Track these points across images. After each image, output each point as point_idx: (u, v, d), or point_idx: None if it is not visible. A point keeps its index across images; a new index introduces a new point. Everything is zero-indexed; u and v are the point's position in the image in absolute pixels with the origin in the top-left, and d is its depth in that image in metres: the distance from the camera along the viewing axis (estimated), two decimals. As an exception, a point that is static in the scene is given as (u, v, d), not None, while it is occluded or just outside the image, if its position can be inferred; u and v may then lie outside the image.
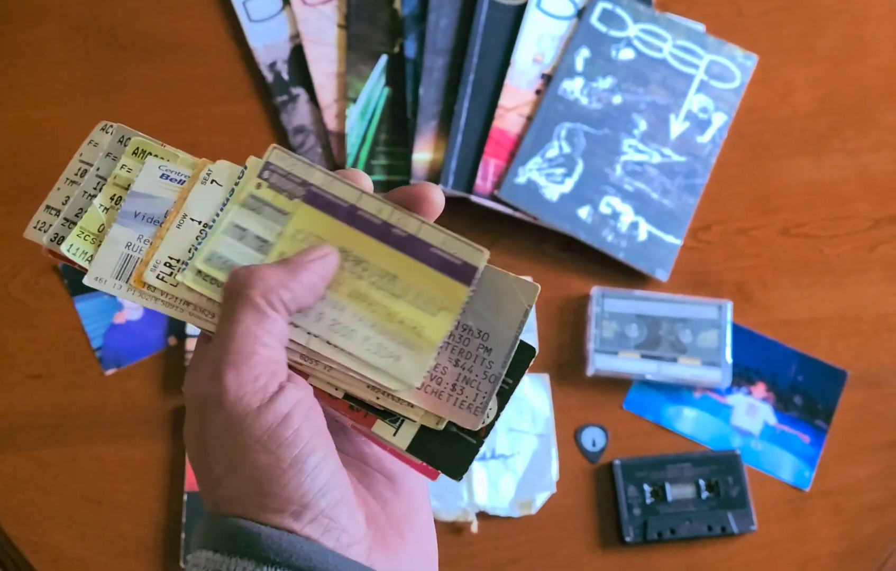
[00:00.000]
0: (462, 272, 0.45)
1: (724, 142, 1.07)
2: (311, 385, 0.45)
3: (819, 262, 1.03)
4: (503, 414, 0.94)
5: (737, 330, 0.99)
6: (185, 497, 0.93)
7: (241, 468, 0.41)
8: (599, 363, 0.97)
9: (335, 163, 1.05)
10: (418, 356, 0.44)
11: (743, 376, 0.98)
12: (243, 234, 0.47)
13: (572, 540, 0.94)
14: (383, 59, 1.09)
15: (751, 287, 1.02)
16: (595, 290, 0.99)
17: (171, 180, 0.49)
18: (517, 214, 1.01)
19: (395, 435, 0.44)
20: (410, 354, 0.44)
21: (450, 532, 0.93)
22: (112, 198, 0.49)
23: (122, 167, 0.50)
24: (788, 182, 1.06)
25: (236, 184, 0.48)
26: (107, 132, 0.51)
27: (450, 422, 0.44)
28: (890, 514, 0.94)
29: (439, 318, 0.45)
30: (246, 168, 0.49)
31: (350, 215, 0.47)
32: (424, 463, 0.44)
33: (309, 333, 0.44)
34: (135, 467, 0.95)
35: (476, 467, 0.94)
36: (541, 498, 0.94)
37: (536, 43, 1.09)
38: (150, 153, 0.50)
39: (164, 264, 0.47)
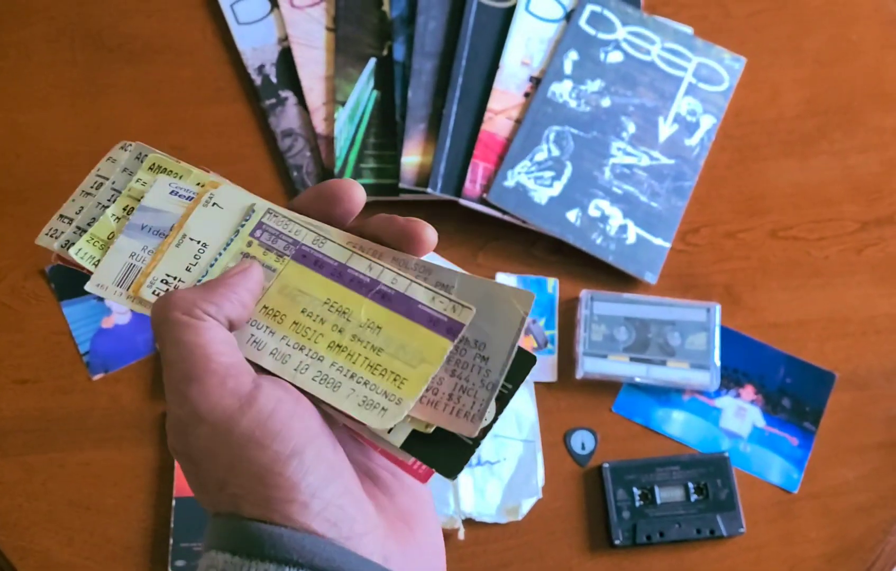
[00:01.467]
0: (448, 328, 0.45)
1: (713, 145, 1.07)
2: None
3: (807, 265, 1.03)
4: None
5: (725, 332, 0.99)
6: (174, 502, 0.93)
7: (239, 467, 0.41)
8: (588, 366, 0.97)
9: (324, 166, 1.05)
10: (398, 407, 0.44)
11: (731, 378, 0.98)
12: None
13: (561, 544, 0.94)
14: (372, 62, 1.09)
15: (739, 289, 1.02)
16: (584, 293, 0.99)
17: (179, 196, 0.50)
18: (506, 218, 1.01)
19: (389, 432, 0.44)
20: (392, 407, 0.44)
21: (438, 537, 0.92)
22: (125, 209, 0.50)
23: (137, 181, 0.51)
24: (776, 184, 1.07)
25: (241, 225, 0.49)
26: (125, 150, 0.52)
27: None
28: (878, 515, 0.95)
29: (419, 370, 0.44)
30: (253, 207, 0.50)
31: (338, 273, 0.47)
32: (417, 465, 0.45)
33: (293, 383, 0.45)
34: (123, 472, 0.95)
35: (462, 474, 0.94)
36: (527, 504, 0.94)
37: (525, 46, 1.09)
38: (166, 169, 0.51)
39: (161, 281, 0.48)
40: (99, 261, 0.48)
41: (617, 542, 0.92)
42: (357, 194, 0.48)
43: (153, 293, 0.47)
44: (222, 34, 1.12)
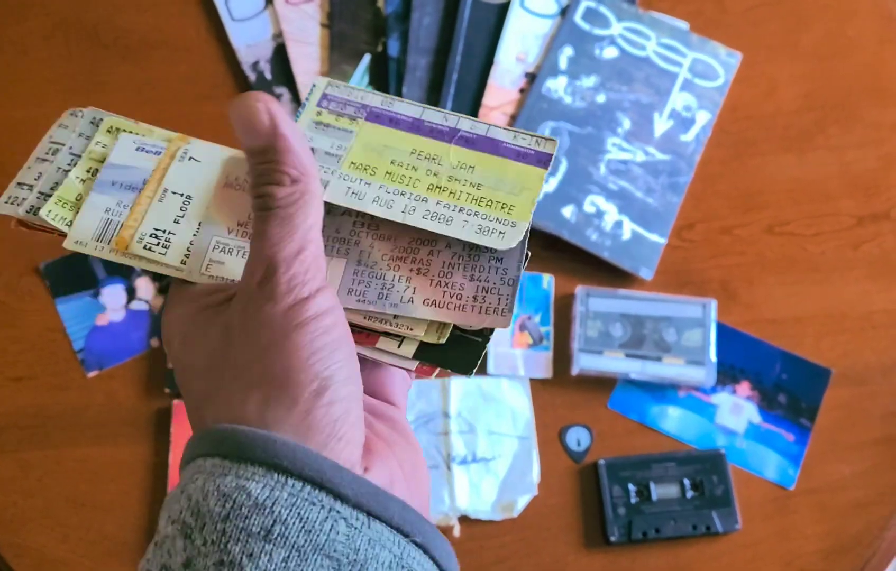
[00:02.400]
0: (537, 158, 0.48)
1: (708, 141, 1.06)
2: None
3: (803, 260, 1.03)
4: (484, 417, 0.95)
5: (721, 328, 0.99)
6: (169, 499, 0.93)
7: (275, 347, 0.41)
8: (584, 362, 0.97)
9: (318, 162, 1.04)
10: (514, 230, 0.45)
11: (727, 375, 0.98)
12: (314, 152, 0.49)
13: (557, 540, 0.94)
14: (366, 58, 1.08)
15: (735, 285, 1.02)
16: (579, 290, 0.99)
17: (146, 151, 0.50)
18: (501, 213, 1.01)
19: (399, 347, 0.45)
20: (509, 229, 0.45)
21: (433, 533, 0.92)
22: (89, 171, 0.50)
23: (97, 143, 0.51)
24: (773, 180, 1.06)
25: None
26: (77, 116, 0.52)
27: (455, 327, 0.45)
28: (874, 511, 0.95)
29: (523, 197, 0.46)
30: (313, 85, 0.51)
31: (415, 126, 0.49)
32: (429, 366, 0.46)
33: (404, 223, 0.46)
34: (118, 468, 0.95)
35: (457, 471, 0.94)
36: (522, 501, 0.94)
37: (520, 41, 1.09)
38: (125, 129, 0.51)
39: (151, 235, 0.48)
40: (72, 221, 0.48)
41: (612, 539, 0.92)
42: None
43: (145, 247, 0.47)
44: (217, 30, 1.12)
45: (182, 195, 0.49)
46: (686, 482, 0.94)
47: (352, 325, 0.45)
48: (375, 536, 0.39)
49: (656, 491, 0.93)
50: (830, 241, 1.04)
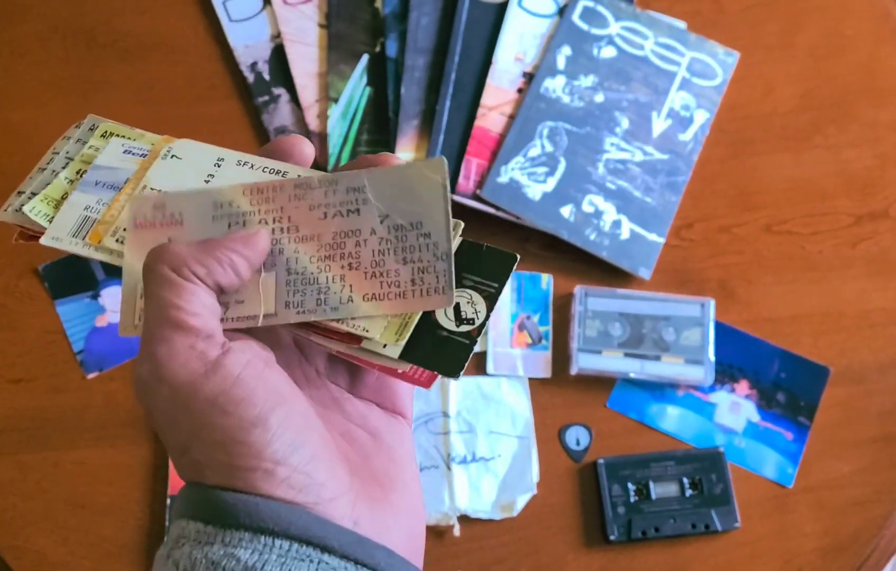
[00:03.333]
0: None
1: (706, 140, 1.07)
2: (280, 325, 0.45)
3: (801, 259, 1.03)
4: (483, 417, 0.95)
5: (720, 327, 0.99)
6: (169, 500, 0.93)
7: (201, 433, 0.40)
8: (583, 362, 0.97)
9: (317, 163, 1.04)
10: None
11: (726, 373, 0.98)
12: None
13: (557, 540, 0.94)
14: (364, 58, 1.08)
15: (734, 284, 1.02)
16: (578, 289, 0.99)
17: (133, 154, 0.50)
18: (500, 214, 1.01)
19: (385, 347, 0.44)
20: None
21: (432, 535, 0.93)
22: (77, 173, 0.50)
23: (90, 147, 0.51)
24: (770, 179, 1.06)
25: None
26: (79, 127, 0.53)
27: (440, 328, 0.45)
28: (873, 509, 0.95)
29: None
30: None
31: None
32: (418, 373, 0.45)
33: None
34: (117, 470, 0.95)
35: (457, 470, 0.94)
36: (522, 500, 0.94)
37: (518, 41, 1.09)
38: (118, 134, 0.52)
39: (124, 229, 0.47)
40: (53, 217, 0.48)
41: (612, 538, 0.92)
42: (305, 149, 0.49)
43: (117, 240, 0.47)
44: (214, 31, 1.12)
45: (160, 192, 0.49)
46: (685, 480, 0.94)
47: (325, 329, 0.46)
48: None
49: (655, 490, 0.94)
50: (828, 240, 1.04)
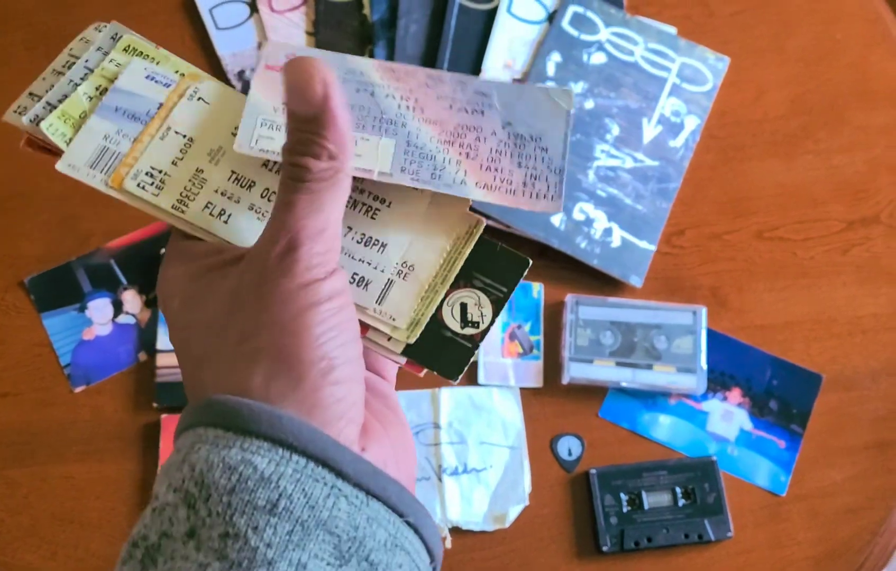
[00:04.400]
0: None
1: (697, 146, 1.06)
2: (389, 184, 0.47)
3: (793, 265, 1.03)
4: (474, 428, 0.95)
5: (711, 335, 0.99)
6: (158, 515, 0.92)
7: (285, 322, 0.41)
8: (574, 371, 0.96)
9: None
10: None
11: (718, 381, 0.98)
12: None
13: (549, 551, 0.93)
14: (353, 66, 1.08)
15: (725, 291, 1.01)
16: (569, 298, 0.98)
17: (156, 82, 0.49)
18: (490, 222, 1.01)
19: (389, 340, 0.45)
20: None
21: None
22: (97, 89, 0.49)
23: (110, 61, 0.50)
24: (761, 185, 1.06)
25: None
26: (99, 31, 0.51)
27: (444, 327, 0.46)
28: (866, 516, 0.94)
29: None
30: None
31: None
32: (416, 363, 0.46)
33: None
34: (105, 484, 0.94)
35: (448, 482, 0.94)
36: (514, 511, 0.93)
37: (507, 48, 1.08)
38: (141, 52, 0.50)
39: (146, 173, 0.47)
40: (71, 138, 0.47)
41: (605, 548, 0.92)
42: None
43: (139, 185, 0.46)
44: (201, 39, 1.11)
45: (185, 136, 0.48)
46: (678, 490, 0.93)
47: None
48: (373, 514, 0.40)
49: (648, 500, 0.93)
50: (819, 246, 1.04)
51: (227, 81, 1.08)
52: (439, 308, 0.46)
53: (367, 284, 0.46)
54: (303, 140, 0.42)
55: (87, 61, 0.50)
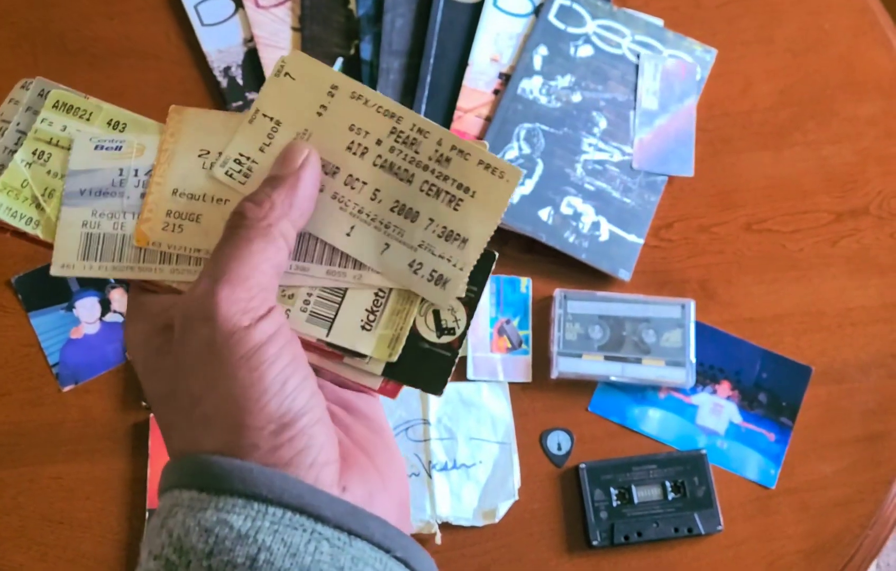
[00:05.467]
0: None
1: (685, 138, 1.06)
2: None
3: (782, 258, 1.03)
4: (464, 423, 0.94)
5: (700, 328, 0.99)
6: (147, 514, 0.92)
7: (222, 384, 0.40)
8: (563, 366, 0.96)
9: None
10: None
11: (707, 375, 0.98)
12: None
13: (539, 546, 0.93)
14: (339, 61, 1.07)
15: (714, 284, 1.01)
16: (557, 292, 0.98)
17: (106, 149, 0.48)
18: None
19: (368, 363, 0.44)
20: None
21: (414, 543, 0.92)
22: (35, 154, 0.48)
23: (42, 121, 0.49)
24: (750, 177, 1.06)
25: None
26: (26, 89, 0.51)
27: (421, 339, 0.45)
28: (856, 509, 0.94)
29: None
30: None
31: None
32: (385, 384, 0.45)
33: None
34: (95, 484, 0.94)
35: (438, 478, 0.93)
36: (503, 507, 0.93)
37: (494, 42, 1.08)
38: (71, 105, 0.50)
39: (235, 161, 0.47)
40: (18, 211, 0.47)
41: (595, 543, 0.92)
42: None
43: (227, 174, 0.47)
44: (187, 36, 1.11)
45: (272, 119, 0.48)
46: (667, 484, 0.93)
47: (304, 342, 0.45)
48: (358, 554, 0.40)
49: (638, 494, 0.93)
50: (808, 238, 1.03)
51: (213, 78, 1.08)
52: (414, 324, 0.45)
53: (444, 281, 0.46)
54: (256, 192, 0.43)
55: (18, 124, 0.49)
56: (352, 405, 0.48)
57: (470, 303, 0.45)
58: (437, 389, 0.44)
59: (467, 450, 0.95)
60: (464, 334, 0.45)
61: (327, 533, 0.39)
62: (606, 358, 0.97)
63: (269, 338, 0.41)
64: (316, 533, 0.39)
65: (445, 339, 0.45)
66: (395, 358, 0.44)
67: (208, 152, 0.47)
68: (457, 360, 0.45)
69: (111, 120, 0.50)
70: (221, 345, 0.40)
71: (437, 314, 0.45)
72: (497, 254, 0.46)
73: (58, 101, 0.50)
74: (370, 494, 0.43)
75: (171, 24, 1.11)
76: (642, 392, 0.97)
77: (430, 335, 0.45)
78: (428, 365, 0.45)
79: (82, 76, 1.09)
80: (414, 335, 0.45)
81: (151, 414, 0.95)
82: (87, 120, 0.50)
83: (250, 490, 0.39)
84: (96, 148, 0.48)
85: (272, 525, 0.38)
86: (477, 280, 0.46)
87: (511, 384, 0.97)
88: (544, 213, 1.00)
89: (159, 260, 0.46)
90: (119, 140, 0.49)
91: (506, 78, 1.06)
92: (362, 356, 0.45)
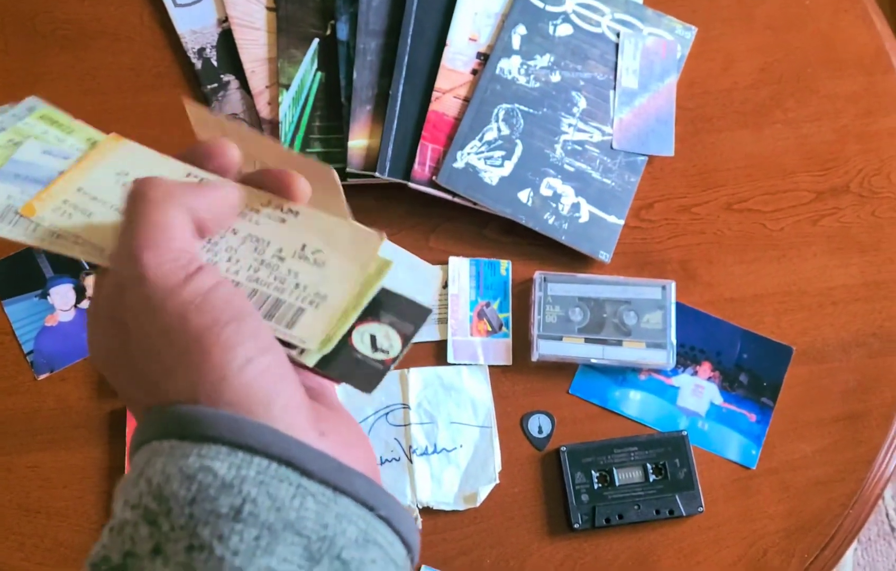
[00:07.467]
0: None
1: (665, 117, 1.05)
2: None
3: (762, 237, 1.02)
4: (444, 407, 0.94)
5: (681, 309, 0.98)
6: (125, 503, 0.91)
7: (174, 335, 0.40)
8: (544, 348, 0.96)
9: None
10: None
11: (688, 356, 0.98)
12: None
13: (521, 529, 0.93)
14: (315, 42, 1.05)
15: (695, 265, 1.01)
16: (537, 275, 0.97)
17: (52, 155, 0.50)
18: (457, 200, 0.99)
19: (301, 354, 0.45)
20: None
21: (395, 529, 0.91)
22: (10, 142, 0.50)
23: (25, 123, 0.51)
24: (730, 156, 1.05)
25: None
26: (16, 103, 0.52)
27: (356, 351, 0.46)
28: (836, 489, 0.95)
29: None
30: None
31: None
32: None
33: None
34: (72, 473, 0.93)
35: (418, 462, 0.93)
36: (484, 491, 0.93)
37: (472, 21, 1.06)
38: (55, 120, 0.51)
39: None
40: None
41: (576, 526, 0.91)
42: (229, 151, 0.48)
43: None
44: (160, 17, 1.09)
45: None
46: (649, 466, 0.93)
47: None
48: (342, 511, 0.39)
49: (619, 476, 0.93)
50: (789, 217, 1.03)
51: (187, 60, 1.06)
52: (349, 335, 0.46)
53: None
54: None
55: (1, 124, 0.51)
56: (308, 386, 0.47)
57: (404, 337, 0.46)
58: (368, 389, 0.45)
59: (448, 434, 0.94)
60: (396, 358, 0.46)
61: (313, 488, 0.39)
62: (587, 340, 0.96)
63: (212, 287, 0.41)
64: (301, 488, 0.38)
65: (379, 356, 0.46)
66: (326, 352, 0.45)
67: (127, 174, 0.48)
68: (387, 373, 0.46)
69: (90, 138, 0.51)
70: (162, 299, 0.40)
71: (373, 337, 0.46)
72: (432, 310, 0.48)
73: (44, 115, 0.51)
74: (347, 443, 0.43)
75: (143, 5, 1.10)
76: (623, 374, 0.97)
77: (365, 350, 0.46)
78: (360, 370, 0.45)
79: (54, 59, 1.07)
80: (350, 347, 0.46)
81: (128, 402, 0.94)
82: (69, 134, 0.51)
83: (236, 438, 0.38)
84: (43, 153, 0.50)
85: (258, 475, 0.38)
86: (414, 321, 0.47)
87: (491, 367, 0.97)
88: (524, 195, 0.99)
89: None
90: (68, 152, 0.50)
91: (484, 58, 1.05)
92: (294, 347, 0.45)
